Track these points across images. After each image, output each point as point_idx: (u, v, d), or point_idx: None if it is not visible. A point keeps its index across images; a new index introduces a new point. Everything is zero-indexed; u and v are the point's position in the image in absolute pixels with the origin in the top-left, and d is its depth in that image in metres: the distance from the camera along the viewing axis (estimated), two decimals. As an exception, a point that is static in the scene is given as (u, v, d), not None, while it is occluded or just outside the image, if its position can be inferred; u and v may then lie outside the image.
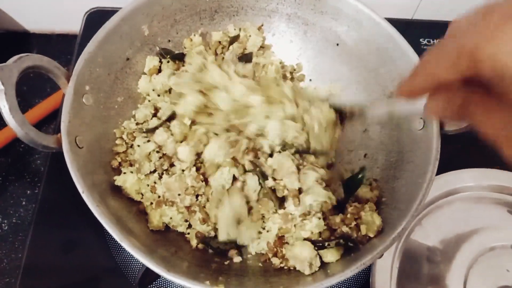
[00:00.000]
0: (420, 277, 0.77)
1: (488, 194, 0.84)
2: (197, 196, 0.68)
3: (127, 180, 0.69)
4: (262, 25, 0.86)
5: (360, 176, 0.74)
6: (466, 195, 0.84)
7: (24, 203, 0.94)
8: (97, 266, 0.80)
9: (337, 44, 0.84)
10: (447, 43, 0.39)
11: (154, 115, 0.77)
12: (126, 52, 0.74)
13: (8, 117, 0.53)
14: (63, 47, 1.13)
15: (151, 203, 0.69)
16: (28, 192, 0.95)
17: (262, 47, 0.86)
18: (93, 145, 0.66)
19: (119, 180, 0.68)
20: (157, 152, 0.71)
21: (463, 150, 0.88)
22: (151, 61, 0.78)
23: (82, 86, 0.65)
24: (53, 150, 0.59)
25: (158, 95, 0.78)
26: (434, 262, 0.78)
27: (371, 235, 0.64)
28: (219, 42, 0.84)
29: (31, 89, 1.04)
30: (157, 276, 0.79)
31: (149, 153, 0.71)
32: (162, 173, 0.71)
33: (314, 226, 0.65)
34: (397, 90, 0.46)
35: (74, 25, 1.04)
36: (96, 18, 1.02)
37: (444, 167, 0.80)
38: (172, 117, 0.73)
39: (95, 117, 0.69)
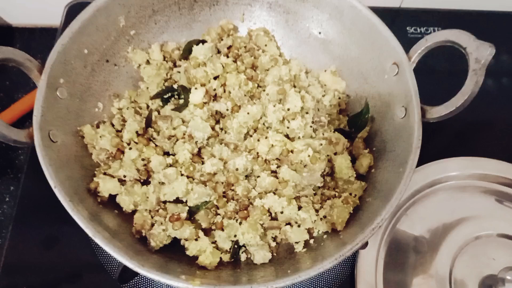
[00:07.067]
0: (407, 266, 0.77)
1: (474, 182, 0.83)
2: None
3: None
4: (243, 15, 0.85)
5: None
6: (451, 184, 0.83)
7: (7, 199, 0.93)
8: (79, 261, 0.79)
9: (319, 33, 0.82)
10: None
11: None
12: (103, 44, 0.73)
13: (-25, 110, 0.51)
14: (46, 40, 1.10)
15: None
16: (12, 188, 0.93)
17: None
18: (68, 139, 0.65)
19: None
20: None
21: (447, 140, 0.88)
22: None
23: (56, 79, 0.64)
24: (25, 145, 0.58)
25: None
26: (421, 252, 0.77)
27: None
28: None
29: (13, 84, 1.03)
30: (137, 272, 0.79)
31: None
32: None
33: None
34: None
35: (57, 18, 1.03)
36: (76, 11, 0.98)
37: (428, 157, 0.80)
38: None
39: (71, 111, 0.68)
